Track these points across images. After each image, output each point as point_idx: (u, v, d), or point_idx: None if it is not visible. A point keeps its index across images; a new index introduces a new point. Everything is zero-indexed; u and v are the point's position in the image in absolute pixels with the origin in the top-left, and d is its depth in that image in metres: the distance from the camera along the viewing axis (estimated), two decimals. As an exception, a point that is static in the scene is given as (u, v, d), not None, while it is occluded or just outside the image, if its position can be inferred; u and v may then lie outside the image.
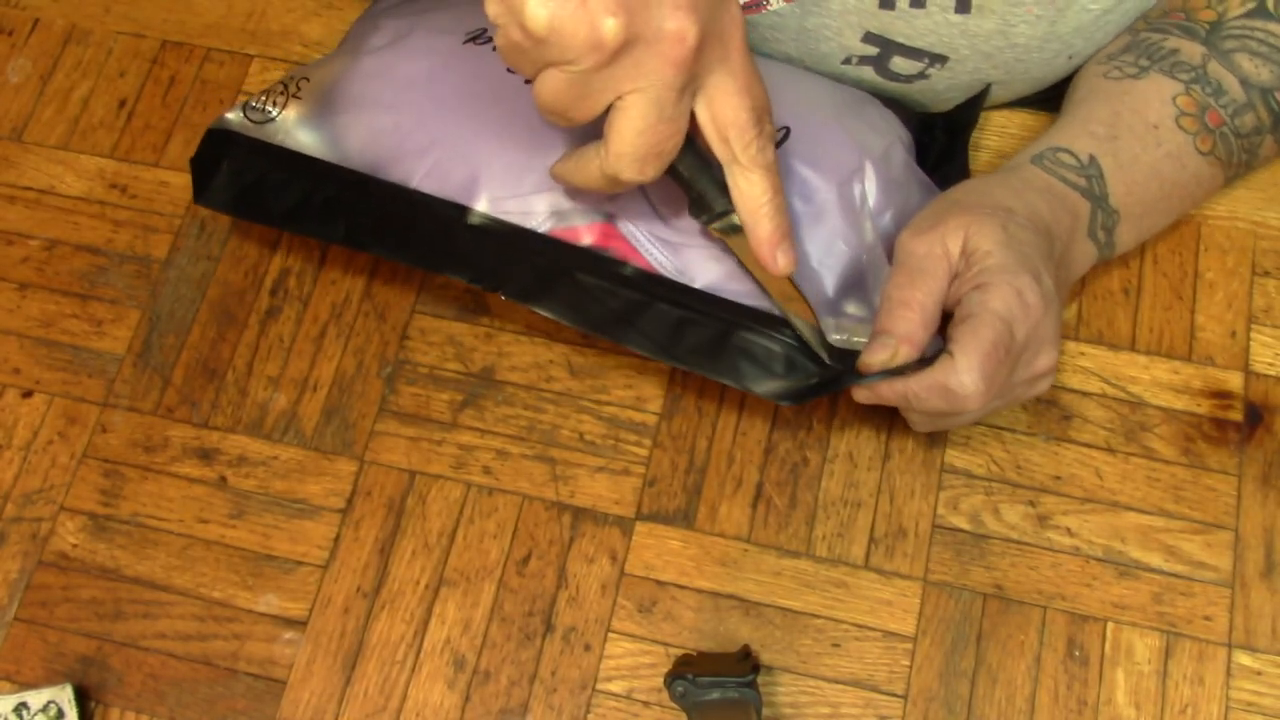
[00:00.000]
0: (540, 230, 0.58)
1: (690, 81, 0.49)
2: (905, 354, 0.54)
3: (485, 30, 0.63)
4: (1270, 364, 0.64)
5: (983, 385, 0.53)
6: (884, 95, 0.67)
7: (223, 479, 0.64)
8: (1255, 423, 0.63)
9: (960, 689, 0.59)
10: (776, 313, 0.56)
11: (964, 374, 0.53)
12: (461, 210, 0.59)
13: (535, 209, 0.59)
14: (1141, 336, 0.65)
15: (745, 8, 0.63)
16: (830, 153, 0.60)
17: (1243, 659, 0.59)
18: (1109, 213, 0.59)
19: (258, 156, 0.62)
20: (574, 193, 0.58)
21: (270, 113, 0.63)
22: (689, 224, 0.57)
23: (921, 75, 0.65)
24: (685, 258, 0.58)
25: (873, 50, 0.64)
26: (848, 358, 0.56)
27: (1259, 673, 0.58)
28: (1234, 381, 0.64)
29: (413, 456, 0.64)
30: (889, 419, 0.64)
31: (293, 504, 0.63)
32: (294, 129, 0.63)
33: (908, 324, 0.54)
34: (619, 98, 0.48)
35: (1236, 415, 0.63)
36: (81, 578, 0.63)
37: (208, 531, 0.63)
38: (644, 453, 0.64)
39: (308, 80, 0.64)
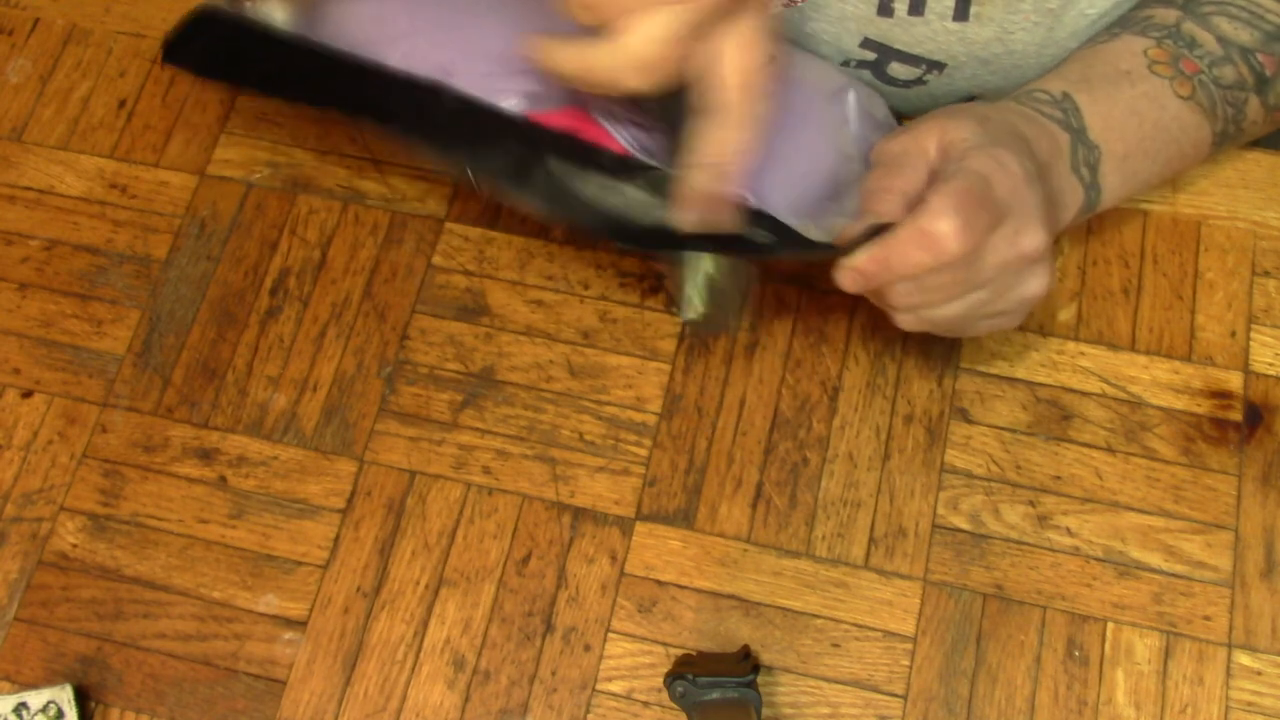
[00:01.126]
0: (516, 111, 0.57)
1: (732, 10, 0.48)
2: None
3: None
4: (1270, 364, 0.64)
5: (963, 230, 0.50)
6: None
7: (223, 479, 0.64)
8: (1255, 423, 0.63)
9: (960, 689, 0.59)
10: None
11: (942, 215, 0.50)
12: (436, 90, 0.58)
13: (508, 88, 0.58)
14: (1141, 336, 0.65)
15: None
16: (816, 73, 0.62)
17: (1243, 659, 0.59)
18: (1089, 147, 0.58)
19: (236, 29, 0.61)
20: (547, 76, 0.57)
21: None
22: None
23: (919, 81, 0.65)
24: (658, 140, 0.57)
25: (871, 56, 0.64)
26: (816, 247, 0.56)
27: (1259, 673, 0.58)
28: (1234, 381, 0.64)
29: (413, 456, 0.64)
30: (889, 418, 0.64)
31: (293, 504, 0.63)
32: (274, 7, 0.62)
33: (888, 205, 0.53)
34: (659, 3, 0.48)
35: (1236, 415, 0.63)
36: (81, 578, 0.63)
37: (208, 531, 0.63)
38: (644, 453, 0.64)
39: None
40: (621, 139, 0.57)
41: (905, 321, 0.56)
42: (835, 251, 0.54)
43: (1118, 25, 0.62)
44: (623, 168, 0.56)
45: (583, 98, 0.57)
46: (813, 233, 0.56)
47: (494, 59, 0.58)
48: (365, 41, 0.60)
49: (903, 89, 0.66)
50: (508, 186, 0.57)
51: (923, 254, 0.51)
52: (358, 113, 0.61)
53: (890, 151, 0.55)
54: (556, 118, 0.58)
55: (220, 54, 0.62)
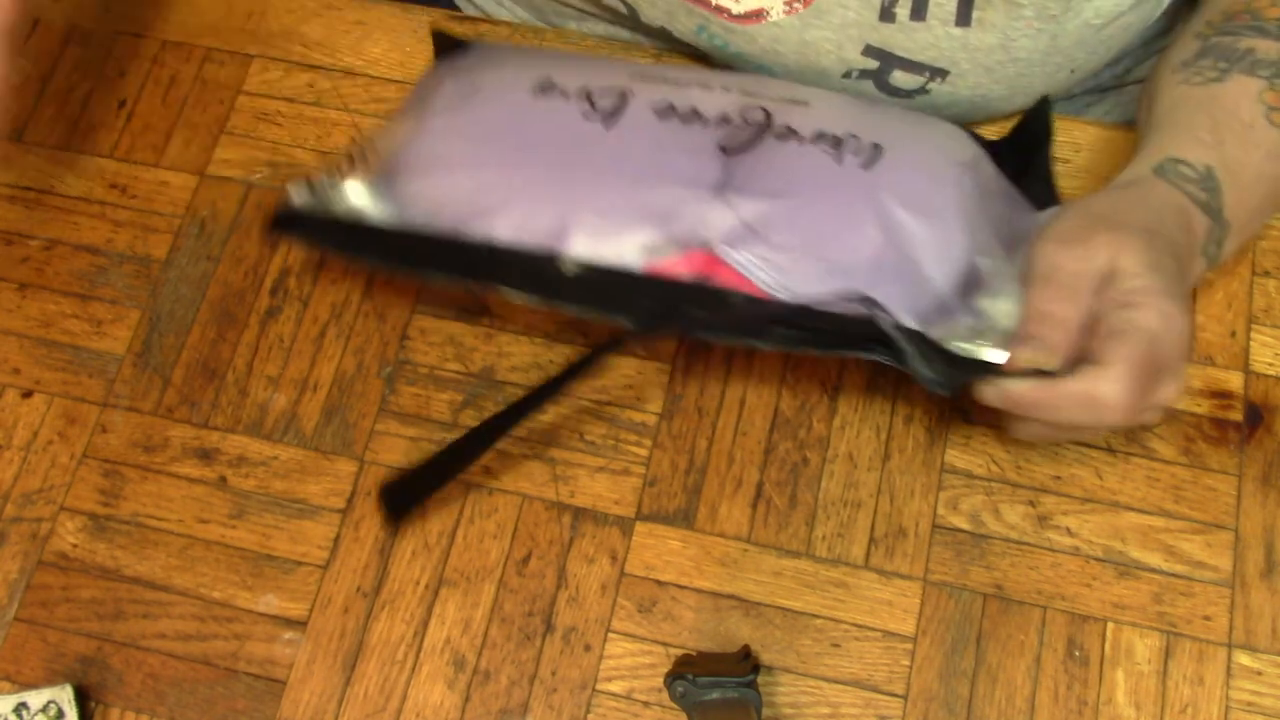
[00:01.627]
0: (638, 267, 0.57)
1: None
2: (1051, 361, 0.53)
3: (552, 81, 0.62)
4: (1270, 364, 0.64)
5: (1128, 399, 0.51)
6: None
7: (223, 479, 0.64)
8: (1255, 423, 0.63)
9: (960, 689, 0.59)
10: (890, 326, 0.55)
11: (1114, 383, 0.51)
12: (552, 258, 0.57)
13: (628, 244, 0.57)
14: (1141, 336, 0.65)
15: (743, 18, 0.63)
16: (928, 162, 0.60)
17: (1243, 659, 0.59)
18: (1222, 226, 0.58)
19: (327, 231, 0.61)
20: (665, 224, 0.57)
21: (334, 182, 0.61)
22: (787, 239, 0.56)
23: (922, 90, 0.65)
24: (789, 274, 0.56)
25: (873, 64, 0.64)
26: (967, 365, 0.55)
27: (1259, 673, 0.58)
28: (1234, 381, 0.64)
29: (413, 456, 0.64)
30: (889, 418, 0.64)
31: (293, 504, 0.64)
32: (362, 199, 0.61)
33: (1055, 334, 0.54)
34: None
35: (1236, 415, 0.63)
36: (81, 578, 0.63)
37: (208, 531, 0.63)
38: (644, 453, 0.64)
39: (373, 147, 0.62)
40: (753, 279, 0.56)
41: (1026, 434, 0.59)
42: (981, 371, 0.55)
43: (1223, 60, 0.61)
44: (759, 309, 0.56)
45: (706, 237, 0.56)
46: (947, 334, 0.55)
47: (603, 214, 0.58)
48: (466, 215, 0.58)
49: (905, 99, 0.66)
50: (649, 332, 0.58)
51: (1083, 413, 0.53)
52: (478, 282, 0.59)
53: (1061, 268, 0.55)
54: (681, 264, 0.56)
55: (325, 235, 0.61)
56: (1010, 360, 0.54)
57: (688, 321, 0.57)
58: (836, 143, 0.59)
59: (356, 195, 0.60)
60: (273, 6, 0.76)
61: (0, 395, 0.67)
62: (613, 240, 0.57)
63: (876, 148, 0.59)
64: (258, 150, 0.71)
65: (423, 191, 0.60)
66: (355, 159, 0.62)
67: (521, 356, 0.66)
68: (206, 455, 0.65)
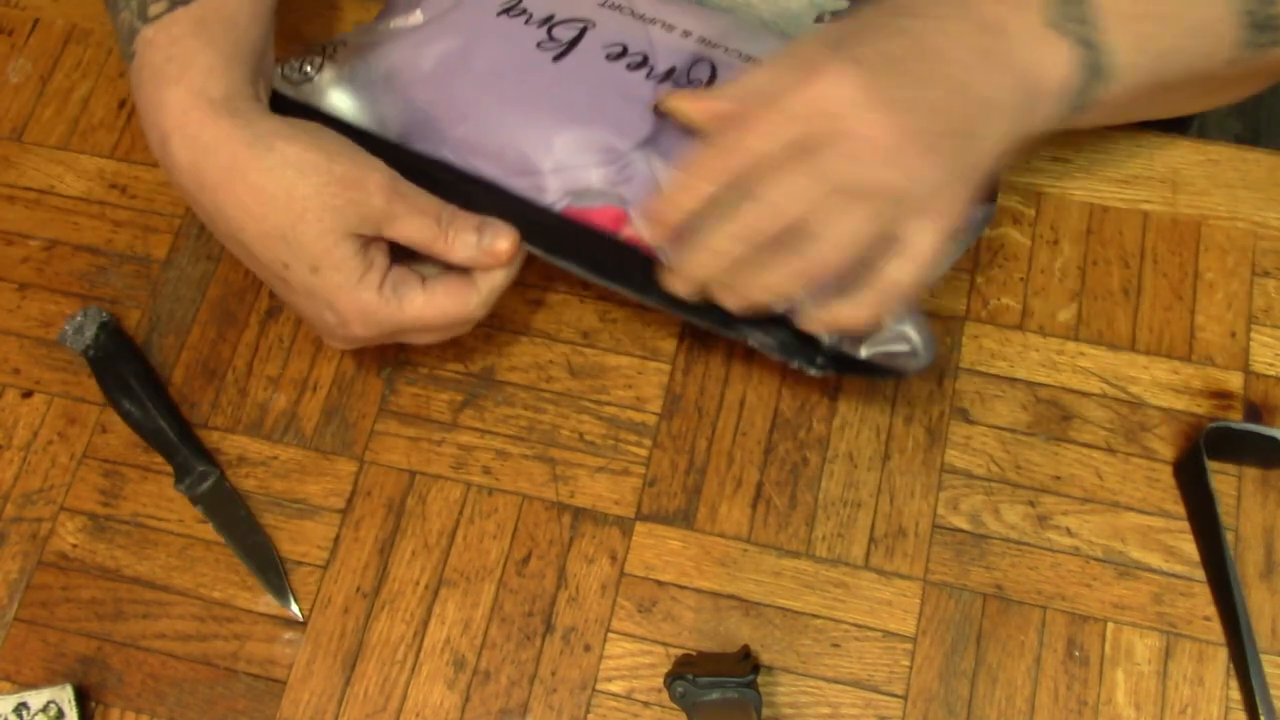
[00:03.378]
0: (556, 208, 0.58)
1: None
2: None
3: (523, 5, 0.62)
4: (1270, 364, 0.64)
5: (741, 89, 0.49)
6: None
7: (223, 479, 0.64)
8: (1255, 423, 0.63)
9: (960, 689, 0.59)
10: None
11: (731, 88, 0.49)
12: (482, 185, 0.59)
13: (551, 186, 0.58)
14: (1141, 336, 0.65)
15: None
16: None
17: (1243, 659, 0.59)
18: (1097, 52, 0.48)
19: (293, 112, 0.62)
20: (585, 172, 0.58)
21: (308, 73, 0.63)
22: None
23: None
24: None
25: (843, 3, 0.62)
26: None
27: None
28: (1234, 382, 0.64)
29: (413, 456, 0.64)
30: (889, 418, 0.64)
31: (293, 504, 0.63)
32: (329, 91, 0.62)
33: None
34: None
35: (1237, 415, 0.63)
36: (81, 578, 0.63)
37: (208, 531, 0.63)
38: (644, 453, 0.64)
39: (345, 46, 0.64)
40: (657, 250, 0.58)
41: (730, 299, 0.54)
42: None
43: None
44: (648, 266, 0.57)
45: (624, 195, 0.58)
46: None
47: (541, 147, 0.59)
48: (415, 129, 0.60)
49: None
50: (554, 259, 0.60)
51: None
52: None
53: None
54: (595, 215, 0.58)
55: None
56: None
57: (588, 263, 0.58)
58: None
59: (325, 86, 0.62)
60: (273, 6, 0.75)
61: (0, 395, 0.67)
62: (536, 177, 0.58)
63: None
64: (258, 150, 0.71)
65: (381, 98, 0.62)
66: (326, 54, 0.63)
67: (521, 356, 0.66)
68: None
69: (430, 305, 0.56)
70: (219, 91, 0.53)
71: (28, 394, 0.66)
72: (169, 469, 0.64)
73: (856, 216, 0.47)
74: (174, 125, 0.53)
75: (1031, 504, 0.62)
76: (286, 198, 0.52)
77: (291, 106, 0.62)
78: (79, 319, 0.66)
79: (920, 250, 0.48)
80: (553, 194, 0.58)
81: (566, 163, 0.58)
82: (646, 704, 0.59)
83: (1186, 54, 0.52)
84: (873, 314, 0.51)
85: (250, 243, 0.54)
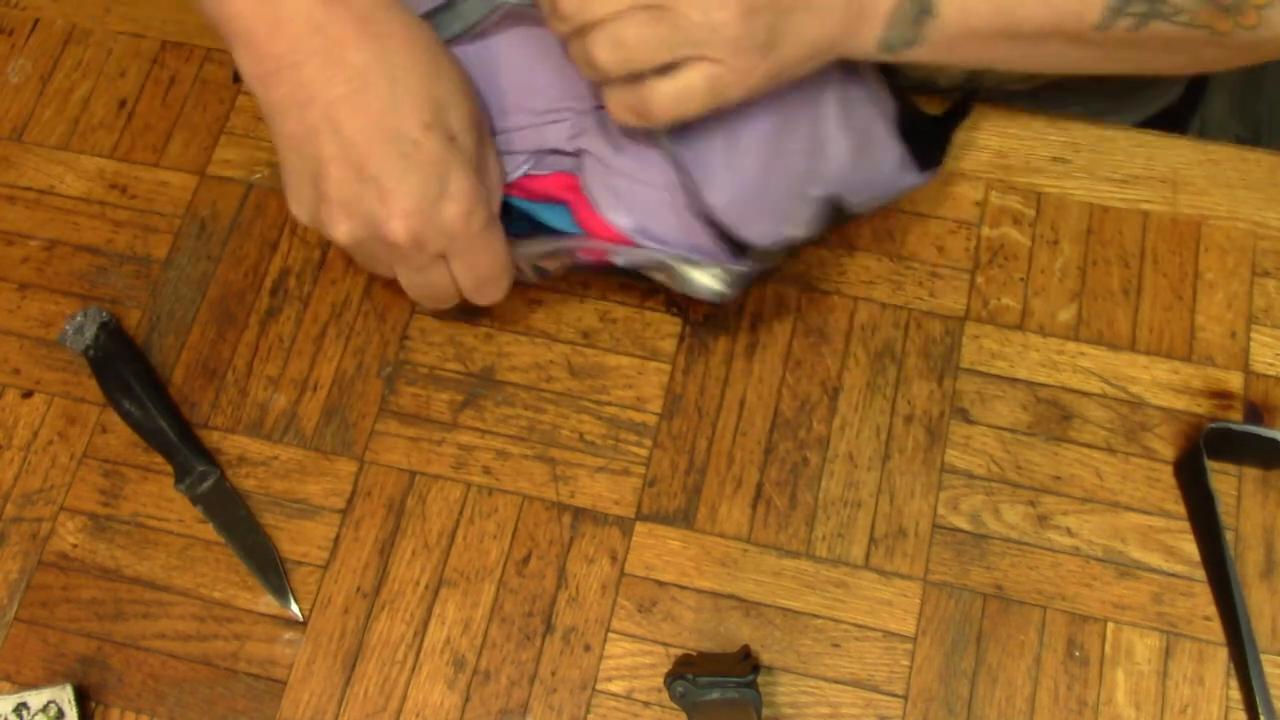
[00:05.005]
0: (516, 174, 0.60)
1: None
2: None
3: None
4: (1270, 364, 0.64)
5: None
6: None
7: (223, 479, 0.64)
8: (1255, 423, 0.63)
9: (960, 689, 0.59)
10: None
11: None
12: None
13: (516, 144, 0.60)
14: (1141, 336, 0.65)
15: None
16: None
17: (1243, 659, 0.59)
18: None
19: None
20: (540, 136, 0.59)
21: None
22: (650, 178, 0.58)
23: None
24: (641, 215, 0.59)
25: None
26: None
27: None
28: (1234, 381, 0.64)
29: (413, 456, 0.64)
30: (889, 418, 0.64)
31: (293, 504, 0.63)
32: None
33: None
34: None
35: (1236, 415, 0.63)
36: (81, 578, 0.63)
37: (208, 532, 0.63)
38: (644, 453, 0.64)
39: None
40: (605, 213, 0.59)
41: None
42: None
43: None
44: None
45: (571, 166, 0.60)
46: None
47: (507, 111, 0.60)
48: None
49: None
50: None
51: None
52: None
53: None
54: (548, 183, 0.60)
55: None
56: None
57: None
58: None
59: None
60: (273, 6, 0.75)
61: (0, 395, 0.67)
62: (504, 136, 0.60)
63: None
64: (258, 150, 0.71)
65: None
66: None
67: (521, 356, 0.66)
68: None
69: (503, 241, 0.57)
70: None
71: (28, 394, 0.66)
72: (169, 469, 0.64)
73: (648, 31, 0.50)
74: None
75: (1031, 504, 0.62)
76: (453, 73, 0.54)
77: None
78: (79, 319, 0.66)
79: (684, 84, 0.51)
80: (520, 155, 0.60)
81: (529, 121, 0.59)
82: (646, 704, 0.59)
83: (1040, 10, 0.53)
84: (625, 116, 0.54)
85: (400, 93, 0.53)
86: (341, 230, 0.54)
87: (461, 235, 0.55)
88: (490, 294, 0.59)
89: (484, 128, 0.57)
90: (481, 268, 0.57)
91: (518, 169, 0.60)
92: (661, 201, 0.58)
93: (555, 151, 0.60)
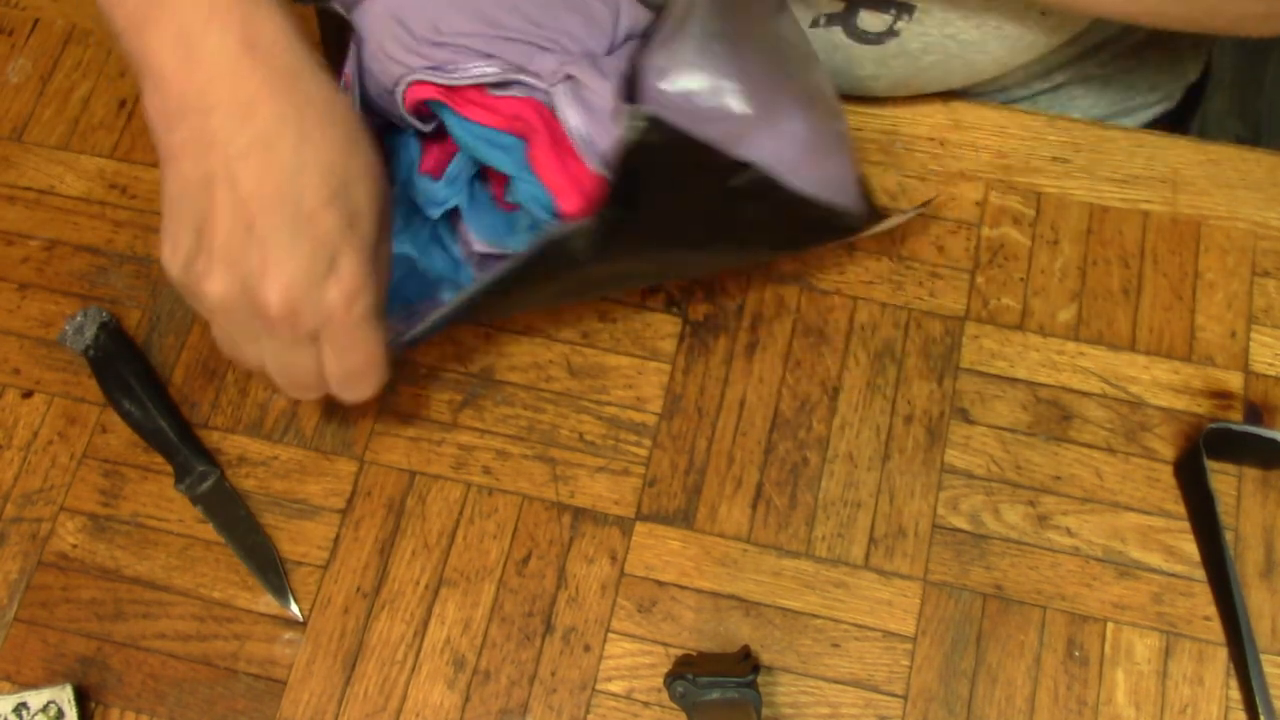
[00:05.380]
0: (482, 78, 0.58)
1: None
2: None
3: None
4: (1270, 364, 0.64)
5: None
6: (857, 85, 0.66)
7: (223, 479, 0.64)
8: (1255, 423, 0.63)
9: (960, 689, 0.59)
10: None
11: None
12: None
13: (504, 53, 0.58)
14: (1141, 336, 0.65)
15: None
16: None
17: (1243, 659, 0.59)
18: None
19: None
20: (527, 61, 0.58)
21: None
22: (611, 100, 0.57)
23: (890, 31, 0.63)
24: (602, 124, 0.57)
25: (839, 6, 0.63)
26: None
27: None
28: (1234, 382, 0.64)
29: (413, 456, 0.64)
30: (889, 418, 0.64)
31: (293, 504, 0.63)
32: None
33: None
34: None
35: (1236, 415, 0.63)
36: (81, 578, 0.63)
37: (208, 532, 0.63)
38: (644, 453, 0.64)
39: None
40: (570, 128, 0.57)
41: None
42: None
43: None
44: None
45: (548, 90, 0.57)
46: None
47: (483, 23, 0.58)
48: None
49: (878, 45, 0.64)
50: None
51: None
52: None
53: None
54: (513, 103, 0.58)
55: None
56: None
57: None
58: None
59: None
60: (273, 6, 0.75)
61: (0, 395, 0.67)
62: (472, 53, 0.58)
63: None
64: (258, 150, 0.71)
65: None
66: None
67: (521, 356, 0.66)
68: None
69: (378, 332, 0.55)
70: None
71: (28, 394, 0.66)
72: (169, 469, 0.64)
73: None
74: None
75: (1031, 504, 0.62)
76: (367, 153, 0.52)
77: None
78: (79, 319, 0.66)
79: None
80: (498, 62, 0.58)
81: (526, 35, 0.57)
82: (646, 704, 0.59)
83: None
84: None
85: (307, 159, 0.51)
86: (216, 287, 0.51)
87: (340, 320, 0.52)
88: (358, 389, 0.55)
89: (387, 217, 0.54)
90: (353, 360, 0.53)
91: (490, 77, 0.57)
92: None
93: (534, 77, 0.58)
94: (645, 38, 0.54)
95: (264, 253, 0.50)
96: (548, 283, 0.59)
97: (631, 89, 0.52)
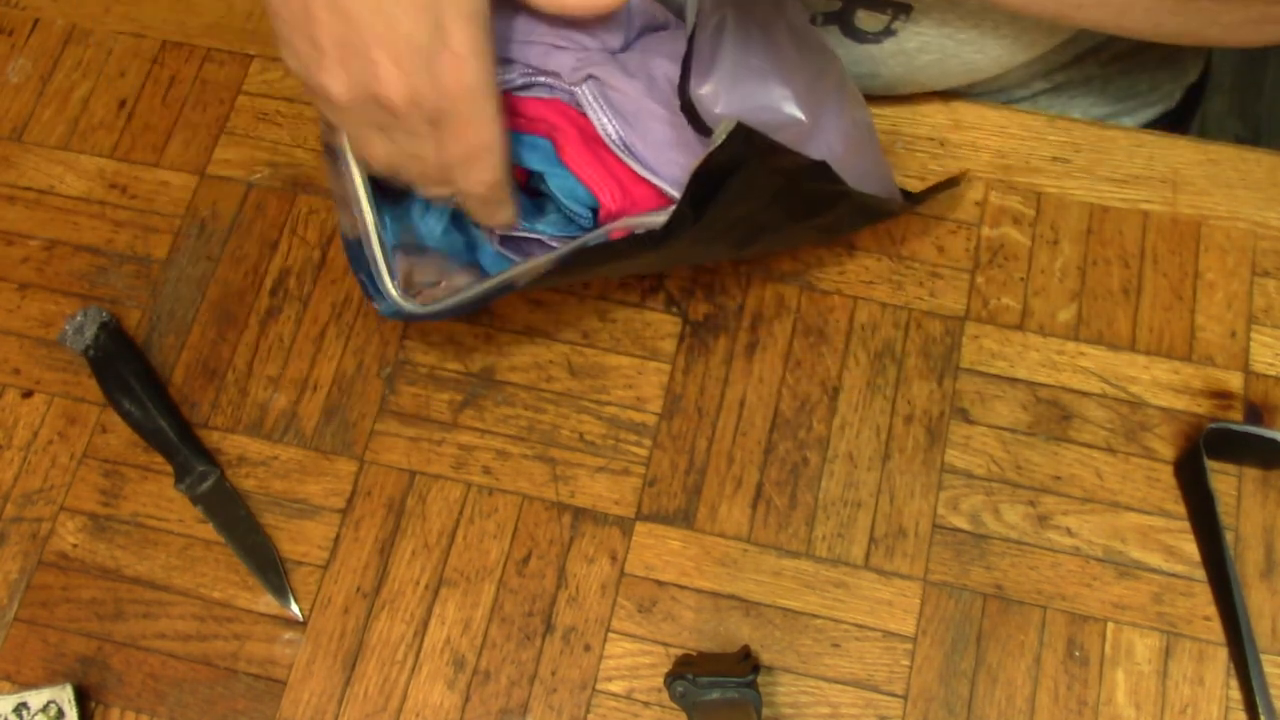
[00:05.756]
0: (509, 85, 0.58)
1: None
2: None
3: None
4: (1270, 364, 0.64)
5: None
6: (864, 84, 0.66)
7: (223, 479, 0.64)
8: (1255, 423, 0.63)
9: (960, 689, 0.59)
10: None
11: None
12: None
13: (518, 58, 0.58)
14: (1141, 336, 0.65)
15: None
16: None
17: (1243, 659, 0.59)
18: None
19: None
20: (545, 62, 0.58)
21: None
22: (641, 102, 0.57)
23: (888, 31, 0.63)
24: (636, 127, 0.57)
25: (836, 5, 0.63)
26: None
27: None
28: (1234, 381, 0.64)
29: (413, 456, 0.64)
30: (889, 418, 0.64)
31: (293, 504, 0.63)
32: None
33: None
34: None
35: (1236, 415, 0.63)
36: (81, 578, 0.63)
37: (208, 531, 0.63)
38: (644, 453, 0.64)
39: None
40: (600, 126, 0.57)
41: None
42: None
43: None
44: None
45: (571, 87, 0.57)
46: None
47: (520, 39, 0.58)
48: None
49: (875, 45, 0.64)
50: None
51: None
52: None
53: None
54: (536, 105, 0.58)
55: None
56: None
57: None
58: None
59: None
60: (273, 6, 0.75)
61: (0, 395, 0.67)
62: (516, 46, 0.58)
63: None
64: (258, 150, 0.71)
65: None
66: None
67: (521, 356, 0.66)
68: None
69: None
70: None
71: (28, 394, 0.66)
72: (169, 469, 0.64)
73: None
74: None
75: (1031, 504, 0.62)
76: None
77: None
78: (79, 319, 0.66)
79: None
80: (518, 67, 0.58)
81: (539, 38, 0.57)
82: (646, 704, 0.59)
83: None
84: None
85: None
86: (337, 84, 0.51)
87: (454, 90, 0.51)
88: (479, 178, 0.54)
89: None
90: (472, 138, 0.53)
91: (512, 82, 0.58)
92: (655, 114, 0.57)
93: (554, 78, 0.58)
94: (672, 46, 0.55)
95: (369, 35, 0.50)
96: (594, 268, 0.60)
97: (692, 117, 0.53)
